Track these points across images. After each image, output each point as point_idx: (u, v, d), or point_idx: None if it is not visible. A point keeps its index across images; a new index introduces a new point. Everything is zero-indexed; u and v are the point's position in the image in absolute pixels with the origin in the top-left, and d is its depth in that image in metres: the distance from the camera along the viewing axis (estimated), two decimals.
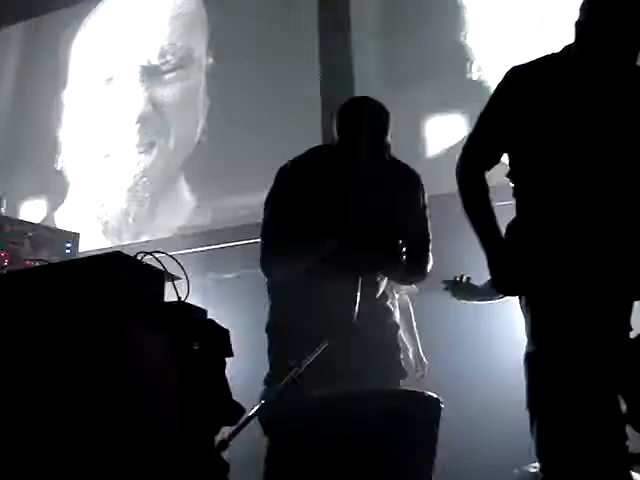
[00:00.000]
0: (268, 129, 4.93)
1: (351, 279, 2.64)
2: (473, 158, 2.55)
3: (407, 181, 2.98)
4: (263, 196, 2.91)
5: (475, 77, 4.86)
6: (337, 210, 2.74)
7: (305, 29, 5.11)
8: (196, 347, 2.10)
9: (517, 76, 2.50)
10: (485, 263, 2.44)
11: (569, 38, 2.43)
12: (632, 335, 2.36)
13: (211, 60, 5.25)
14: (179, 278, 2.24)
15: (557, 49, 2.48)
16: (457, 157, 2.55)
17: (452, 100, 4.91)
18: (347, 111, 2.98)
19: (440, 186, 4.67)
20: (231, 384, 2.18)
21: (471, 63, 4.90)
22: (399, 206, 2.87)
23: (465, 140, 2.55)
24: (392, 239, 2.71)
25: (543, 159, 2.43)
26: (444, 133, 4.80)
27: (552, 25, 4.53)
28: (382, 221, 2.76)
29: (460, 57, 4.94)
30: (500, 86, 2.53)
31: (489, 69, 4.84)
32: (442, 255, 3.04)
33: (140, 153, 5.34)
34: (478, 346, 4.01)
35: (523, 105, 2.45)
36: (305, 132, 4.65)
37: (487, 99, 2.53)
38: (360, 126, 2.89)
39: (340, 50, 5.09)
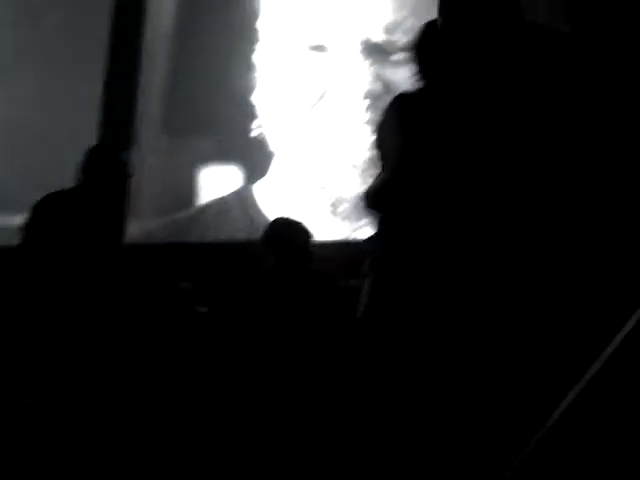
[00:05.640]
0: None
1: None
2: None
3: None
4: None
5: (255, 134, 5.02)
6: None
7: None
8: None
9: None
10: None
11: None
12: None
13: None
14: None
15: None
16: None
17: (231, 151, 5.03)
18: None
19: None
20: None
21: (253, 119, 5.06)
22: None
23: None
24: None
25: None
26: (219, 182, 4.91)
27: (333, 98, 4.81)
28: None
29: (243, 112, 5.08)
30: None
31: (270, 127, 5.03)
32: None
33: None
34: None
35: None
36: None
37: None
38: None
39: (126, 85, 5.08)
